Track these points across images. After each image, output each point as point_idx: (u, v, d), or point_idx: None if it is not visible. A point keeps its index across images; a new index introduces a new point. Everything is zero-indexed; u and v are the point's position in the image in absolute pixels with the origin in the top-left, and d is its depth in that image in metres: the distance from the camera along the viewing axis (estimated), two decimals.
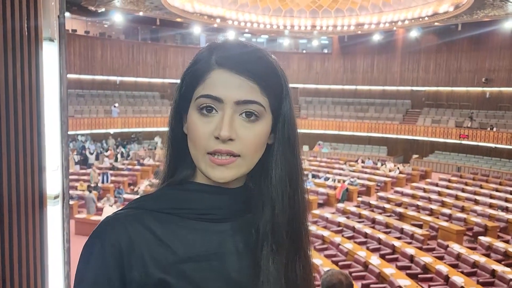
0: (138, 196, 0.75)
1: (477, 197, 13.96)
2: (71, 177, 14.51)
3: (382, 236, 10.08)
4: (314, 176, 17.04)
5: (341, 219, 11.75)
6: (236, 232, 0.70)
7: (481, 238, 10.15)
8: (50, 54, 1.82)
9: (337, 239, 9.84)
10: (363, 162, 20.04)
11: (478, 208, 12.66)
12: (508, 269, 8.10)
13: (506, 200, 13.68)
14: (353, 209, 12.76)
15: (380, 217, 11.78)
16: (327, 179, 16.61)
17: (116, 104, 21.25)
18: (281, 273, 0.69)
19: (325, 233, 10.41)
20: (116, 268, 0.64)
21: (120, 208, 0.71)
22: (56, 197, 1.91)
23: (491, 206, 13.09)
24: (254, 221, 0.70)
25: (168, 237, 0.66)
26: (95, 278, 0.65)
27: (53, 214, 1.90)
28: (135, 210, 0.68)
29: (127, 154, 19.65)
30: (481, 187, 15.45)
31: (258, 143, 0.67)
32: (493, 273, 7.99)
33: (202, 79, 0.66)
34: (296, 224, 0.71)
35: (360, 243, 9.88)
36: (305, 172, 0.74)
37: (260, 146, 0.68)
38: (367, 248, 9.50)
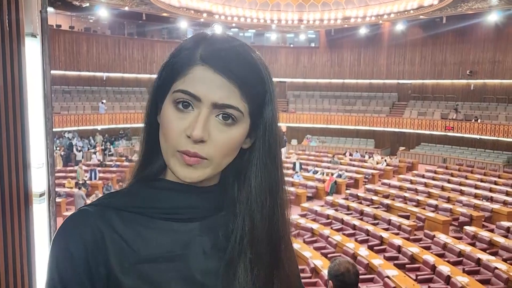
0: (108, 192, 0.73)
1: (463, 188, 14.19)
2: (58, 174, 14.37)
3: (370, 227, 10.20)
4: (302, 169, 17.14)
5: (330, 211, 11.85)
6: (204, 232, 0.67)
7: (467, 227, 10.33)
8: (32, 50, 1.80)
9: (326, 231, 9.93)
10: (351, 155, 20.19)
11: (463, 198, 12.87)
12: (492, 258, 8.27)
13: (491, 190, 13.93)
14: (342, 201, 12.87)
15: (368, 209, 11.91)
16: (315, 172, 16.71)
17: (104, 101, 21.04)
18: (256, 286, 0.66)
19: (314, 225, 10.50)
20: (82, 263, 0.62)
21: (85, 205, 0.68)
22: (41, 194, 1.90)
23: (476, 196, 13.32)
24: (224, 222, 0.67)
25: (131, 236, 0.64)
26: (62, 272, 0.62)
27: (39, 212, 1.89)
28: (102, 207, 0.66)
29: (109, 151, 19.37)
30: (466, 178, 15.70)
31: (230, 148, 0.64)
32: (478, 261, 8.15)
33: (183, 72, 0.63)
34: (275, 237, 0.68)
35: (349, 235, 9.98)
36: (286, 179, 0.72)
37: (232, 151, 0.65)
38: (356, 240, 9.60)
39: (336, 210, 12.23)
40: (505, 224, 10.38)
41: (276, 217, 0.68)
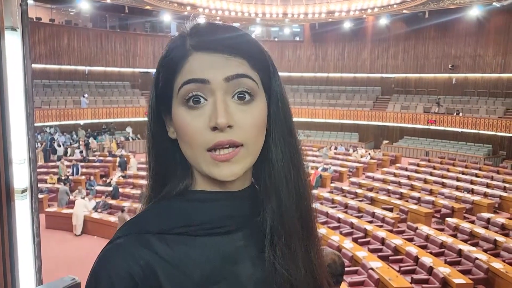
0: (132, 216, 0.65)
1: (445, 180, 14.44)
2: (39, 170, 14.14)
3: (354, 220, 10.32)
4: None
5: (315, 205, 11.92)
6: (248, 241, 0.63)
7: (448, 219, 10.53)
8: (12, 44, 1.76)
9: None
10: (335, 148, 20.34)
11: (445, 191, 13.10)
12: (473, 248, 8.45)
13: (472, 182, 14.21)
14: (327, 195, 12.98)
15: (352, 202, 12.03)
16: None
17: (86, 95, 20.72)
18: (299, 264, 0.63)
19: None
20: None
21: (116, 235, 0.60)
22: (24, 191, 1.87)
23: (457, 188, 13.57)
24: (263, 220, 0.63)
25: (179, 260, 0.58)
26: None
27: (22, 208, 1.86)
28: (138, 234, 0.58)
29: (87, 147, 18.96)
30: (448, 170, 15.98)
31: (259, 126, 0.59)
32: (459, 252, 8.32)
33: (179, 67, 0.58)
34: (305, 208, 0.65)
35: (334, 228, 10.08)
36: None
37: (261, 129, 0.60)
38: (340, 233, 9.70)
39: (321, 203, 12.32)
40: (486, 215, 10.60)
41: (302, 188, 0.65)
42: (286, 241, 0.62)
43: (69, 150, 18.13)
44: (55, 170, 14.74)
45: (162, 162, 0.63)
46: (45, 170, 14.71)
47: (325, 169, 16.00)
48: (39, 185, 11.25)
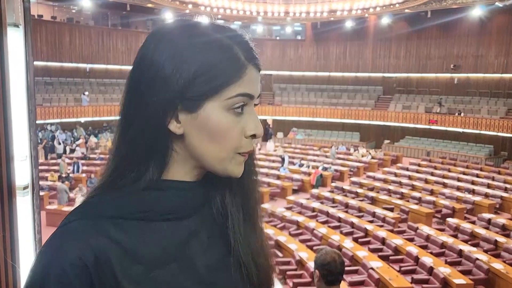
0: (88, 199, 0.64)
1: (446, 181, 14.42)
2: (40, 167, 14.16)
3: (355, 220, 10.31)
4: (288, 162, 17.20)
5: (316, 204, 11.94)
6: (200, 226, 0.66)
7: (449, 219, 10.52)
8: (15, 41, 1.76)
9: (312, 224, 10.00)
10: (336, 148, 20.33)
11: (446, 191, 13.08)
12: (474, 249, 8.45)
13: (473, 182, 14.19)
14: (327, 194, 12.97)
15: (353, 202, 12.02)
16: (301, 165, 16.78)
17: (86, 93, 20.71)
18: (250, 247, 0.69)
19: (300, 218, 10.56)
20: None
21: (68, 218, 0.60)
22: (25, 187, 1.87)
23: (458, 189, 13.55)
24: (213, 206, 0.69)
25: (132, 245, 0.60)
26: None
27: (23, 205, 1.86)
28: (91, 219, 0.59)
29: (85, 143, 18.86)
30: (449, 170, 15.95)
31: None
32: (460, 253, 8.31)
33: (236, 75, 0.61)
34: (254, 202, 0.72)
35: (334, 227, 10.07)
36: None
37: None
38: (341, 232, 9.70)
39: (322, 203, 12.32)
40: (486, 216, 10.59)
41: (252, 182, 0.71)
42: (239, 221, 0.69)
43: (67, 148, 18.10)
44: (55, 167, 14.75)
45: (143, 147, 0.62)
46: (45, 167, 14.71)
47: (325, 168, 15.99)
48: (40, 182, 11.26)
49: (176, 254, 0.63)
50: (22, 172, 1.84)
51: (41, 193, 10.92)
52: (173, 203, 0.64)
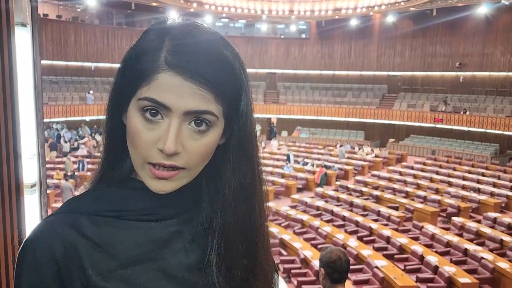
0: (73, 196, 0.67)
1: (451, 179, 14.36)
2: (47, 165, 14.23)
3: (359, 218, 10.30)
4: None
5: (320, 203, 11.93)
6: (183, 228, 0.64)
7: (454, 218, 10.48)
8: (23, 40, 1.77)
9: (316, 222, 10.00)
10: (341, 146, 20.29)
11: (451, 190, 13.03)
12: (479, 248, 8.42)
13: (478, 181, 14.12)
14: (332, 193, 12.96)
15: (357, 200, 12.01)
16: (305, 164, 16.77)
17: (91, 91, 20.80)
18: (228, 277, 0.63)
19: (304, 217, 10.57)
20: (54, 280, 0.59)
21: (53, 212, 0.63)
22: (33, 185, 1.89)
23: (463, 187, 13.49)
24: (203, 217, 0.65)
25: (107, 242, 0.60)
26: None
27: (31, 202, 1.88)
28: (69, 214, 0.61)
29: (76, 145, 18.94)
30: (454, 169, 15.89)
31: (207, 154, 0.61)
32: (465, 252, 8.29)
33: (147, 79, 0.57)
34: (250, 232, 0.65)
35: (339, 226, 10.07)
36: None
37: (209, 155, 0.61)
38: (345, 231, 9.69)
39: (326, 201, 12.31)
40: (492, 215, 10.54)
41: (251, 211, 0.65)
42: (221, 250, 0.63)
43: (68, 146, 18.16)
44: (61, 166, 14.83)
45: (114, 140, 0.65)
46: (51, 166, 14.80)
47: (328, 167, 15.98)
48: (46, 180, 11.31)
49: (154, 254, 0.62)
50: (30, 170, 1.85)
51: (47, 191, 10.97)
52: (144, 203, 0.63)
